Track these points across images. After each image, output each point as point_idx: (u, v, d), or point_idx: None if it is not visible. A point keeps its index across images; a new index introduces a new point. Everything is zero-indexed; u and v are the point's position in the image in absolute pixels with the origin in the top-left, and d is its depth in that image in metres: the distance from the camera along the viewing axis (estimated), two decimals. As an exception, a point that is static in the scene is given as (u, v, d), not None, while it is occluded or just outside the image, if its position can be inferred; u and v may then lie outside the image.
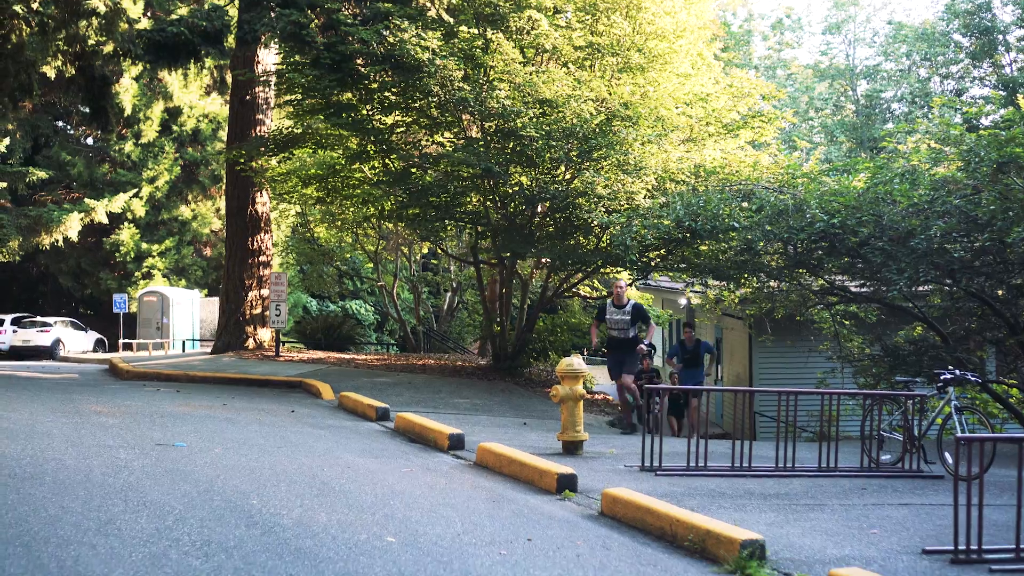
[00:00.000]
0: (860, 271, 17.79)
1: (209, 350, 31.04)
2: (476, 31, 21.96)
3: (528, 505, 9.70)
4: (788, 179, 19.33)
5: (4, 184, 45.31)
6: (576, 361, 13.29)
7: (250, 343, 29.56)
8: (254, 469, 10.69)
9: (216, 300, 31.32)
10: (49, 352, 42.48)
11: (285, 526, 8.10)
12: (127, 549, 7.16)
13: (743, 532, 7.85)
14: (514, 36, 21.90)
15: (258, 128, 29.31)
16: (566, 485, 10.32)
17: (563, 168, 21.52)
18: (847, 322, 20.59)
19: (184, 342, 43.70)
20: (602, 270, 24.01)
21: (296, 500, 9.20)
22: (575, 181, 21.12)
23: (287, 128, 27.38)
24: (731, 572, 7.52)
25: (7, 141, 44.82)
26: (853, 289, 19.03)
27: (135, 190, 48.80)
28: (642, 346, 17.99)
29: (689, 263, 21.30)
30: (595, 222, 20.65)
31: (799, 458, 12.33)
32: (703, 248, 20.38)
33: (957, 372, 12.62)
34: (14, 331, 43.71)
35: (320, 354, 30.03)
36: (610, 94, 21.22)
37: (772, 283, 20.32)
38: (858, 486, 11.34)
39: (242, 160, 27.41)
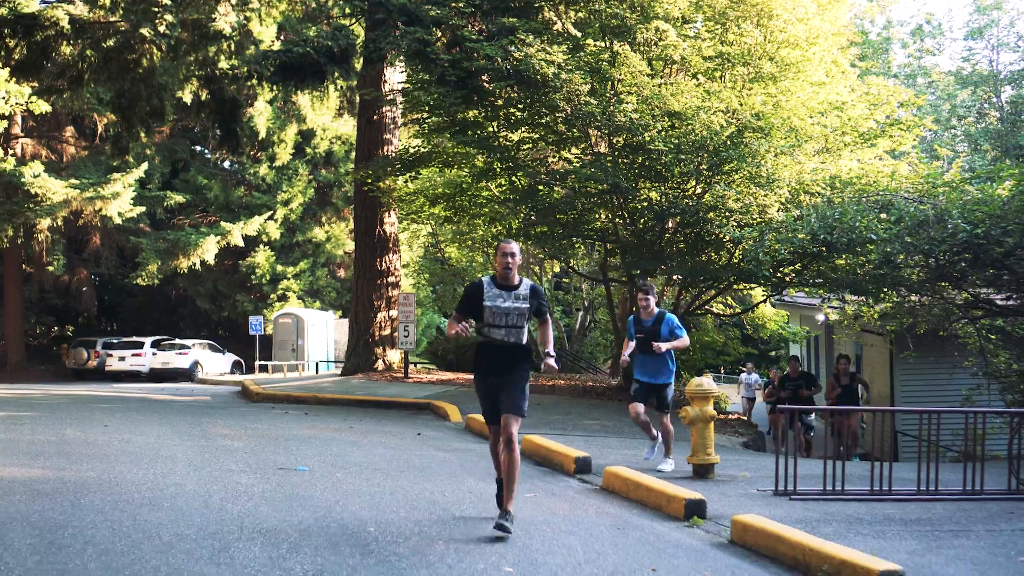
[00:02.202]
0: (1006, 283, 17.10)
1: (340, 372, 31.11)
2: (602, 44, 21.67)
3: (654, 532, 9.32)
4: (928, 189, 18.70)
5: (143, 208, 46.19)
6: (706, 381, 12.89)
7: (379, 364, 29.56)
8: (374, 494, 10.49)
9: (348, 321, 31.47)
10: (188, 374, 43.11)
11: (400, 555, 7.88)
12: (237, 579, 6.98)
13: (881, 563, 7.40)
14: (641, 48, 21.55)
15: (385, 148, 29.37)
16: (694, 511, 9.90)
17: (693, 182, 21.09)
18: (993, 337, 19.77)
19: (318, 363, 44.01)
20: (735, 286, 23.51)
21: (414, 527, 8.99)
22: (706, 195, 20.69)
23: (414, 147, 27.38)
24: (869, 606, 7.06)
25: (145, 166, 45.62)
26: (999, 302, 18.29)
27: (270, 212, 49.48)
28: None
29: (825, 278, 20.71)
30: (727, 237, 20.19)
31: (942, 480, 11.71)
32: (840, 262, 19.80)
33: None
34: (154, 354, 44.46)
35: (450, 375, 29.90)
36: (741, 105, 20.74)
37: (913, 297, 19.70)
38: (1006, 510, 10.70)
39: (370, 180, 27.46)
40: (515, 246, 9.43)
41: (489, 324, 9.34)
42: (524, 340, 9.42)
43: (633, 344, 13.57)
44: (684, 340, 13.34)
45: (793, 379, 22.64)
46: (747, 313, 29.20)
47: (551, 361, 9.42)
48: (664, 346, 12.96)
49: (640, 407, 13.33)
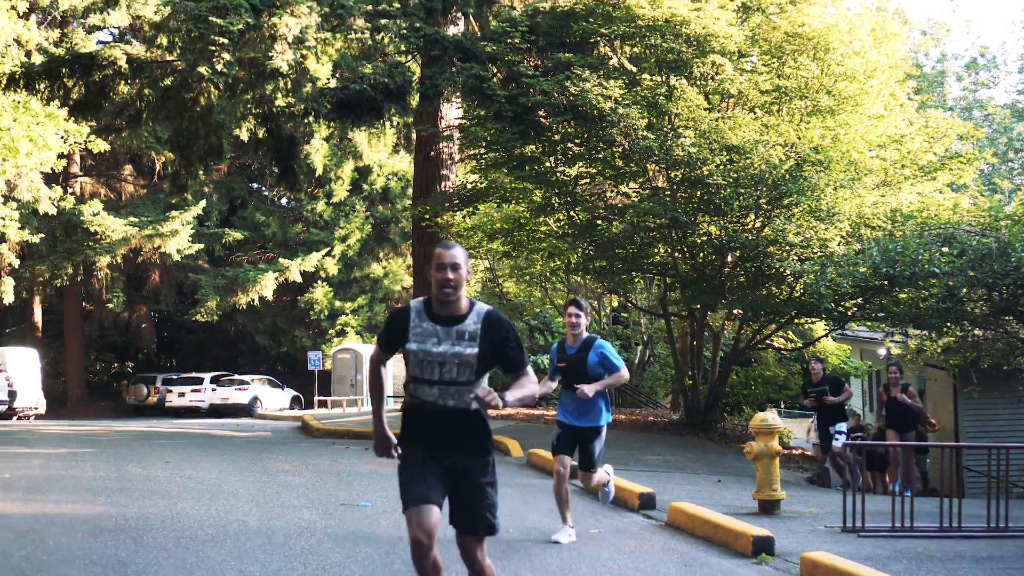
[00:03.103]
0: (1073, 316, 16.90)
1: (400, 407, 31.19)
2: (659, 78, 21.62)
3: (722, 569, 9.21)
4: (991, 221, 18.54)
5: (201, 246, 46.65)
6: (771, 416, 12.78)
7: (439, 400, 29.49)
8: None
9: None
10: (247, 410, 43.30)
11: (464, 591, 7.79)
12: (302, 617, 6.95)
13: (956, 602, 7.23)
14: (698, 82, 21.47)
15: (442, 184, 29.42)
16: (762, 548, 9.77)
17: (752, 216, 20.97)
18: (1059, 371, 19.55)
19: (377, 399, 43.98)
20: (796, 320, 23.30)
21: (478, 564, 8.88)
22: (765, 229, 20.55)
23: (471, 182, 27.42)
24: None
25: (203, 203, 46.10)
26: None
27: (327, 249, 49.78)
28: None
29: (887, 312, 20.51)
30: (787, 271, 20.03)
31: (1013, 516, 11.51)
32: (902, 296, 19.62)
33: None
34: (213, 389, 44.77)
35: (510, 410, 29.79)
36: (799, 138, 20.62)
37: (976, 331, 19.49)
38: (1079, 547, 10.51)
39: (427, 216, 27.50)
40: (459, 252, 6.10)
41: (415, 378, 6.14)
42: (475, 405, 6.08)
43: (551, 384, 11.03)
44: (620, 374, 10.50)
45: (815, 385, 19.04)
46: (809, 347, 28.94)
47: (493, 395, 5.93)
48: (589, 390, 10.15)
49: (566, 460, 10.46)
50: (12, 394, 31.99)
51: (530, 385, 6.13)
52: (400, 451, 6.26)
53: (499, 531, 6.23)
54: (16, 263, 40.74)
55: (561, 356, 10.70)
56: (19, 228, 35.16)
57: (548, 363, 11.15)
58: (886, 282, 18.51)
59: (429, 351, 6.01)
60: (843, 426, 18.58)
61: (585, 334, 10.66)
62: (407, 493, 6.11)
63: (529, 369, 6.17)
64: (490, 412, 6.21)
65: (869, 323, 22.36)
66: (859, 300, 20.31)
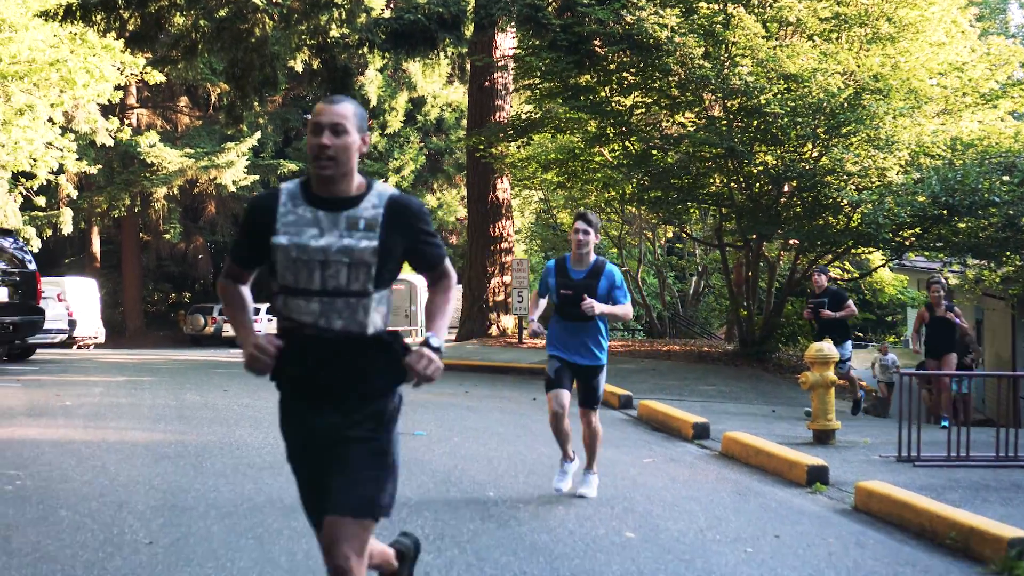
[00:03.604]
0: None
1: (455, 337, 31.29)
2: (716, 6, 21.35)
3: (776, 499, 9.20)
4: (1053, 149, 18.27)
5: (257, 177, 46.83)
6: (826, 346, 12.72)
7: (493, 330, 29.62)
8: (492, 459, 10.49)
9: (461, 288, 31.62)
10: (304, 341, 43.49)
11: (521, 519, 7.86)
12: (358, 543, 6.97)
13: (1011, 530, 7.22)
14: (755, 10, 21.21)
15: (497, 114, 29.34)
16: (816, 477, 9.75)
17: (810, 145, 20.75)
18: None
19: (431, 329, 44.15)
20: (852, 251, 23.12)
21: (533, 492, 8.98)
22: (823, 158, 20.35)
23: (526, 113, 27.31)
24: (997, 573, 6.91)
25: (258, 135, 46.21)
26: None
27: (382, 180, 49.68)
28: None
29: (946, 241, 20.33)
30: (845, 201, 19.85)
31: (1072, 447, 11.43)
32: (961, 225, 19.44)
33: None
34: (269, 319, 45.02)
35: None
36: (858, 66, 20.34)
37: (1037, 260, 19.28)
38: None
39: (482, 147, 27.44)
40: (348, 109, 4.30)
41: (287, 288, 4.35)
42: (377, 325, 4.37)
43: (543, 303, 9.21)
44: (627, 309, 8.87)
45: (816, 295, 16.81)
46: (865, 278, 28.75)
47: (427, 361, 4.27)
48: (599, 307, 8.51)
49: (564, 397, 8.86)
50: (72, 323, 32.27)
51: (448, 300, 4.52)
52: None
53: (387, 515, 4.45)
54: (74, 194, 41.12)
55: (563, 280, 8.84)
56: (77, 159, 35.42)
57: (539, 282, 9.17)
58: (945, 211, 18.33)
59: (306, 246, 4.24)
60: (848, 348, 16.57)
61: (593, 256, 8.84)
62: (305, 505, 4.66)
63: (447, 269, 4.54)
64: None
65: (927, 253, 22.16)
66: (917, 230, 20.15)
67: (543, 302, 9.17)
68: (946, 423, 13.84)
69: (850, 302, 16.59)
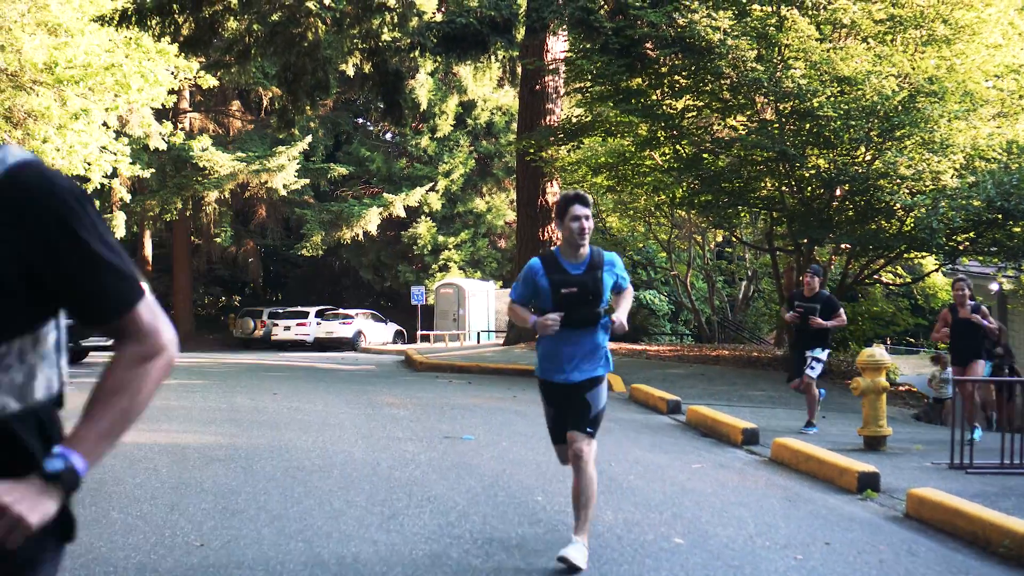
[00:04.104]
0: None
1: (503, 342, 31.26)
2: (769, 9, 21.24)
3: (826, 505, 9.12)
4: (1109, 153, 18.07)
5: (307, 181, 47.09)
6: (878, 352, 12.62)
7: (543, 334, 29.58)
8: (540, 463, 10.46)
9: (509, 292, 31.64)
10: (351, 343, 43.72)
11: (569, 525, 7.79)
12: (408, 546, 7.04)
13: (1066, 538, 7.11)
14: (809, 12, 21.07)
15: (547, 118, 29.35)
16: (867, 484, 9.67)
17: (863, 149, 20.60)
18: None
19: (479, 333, 44.24)
20: (905, 255, 22.94)
21: (581, 497, 8.91)
22: (876, 162, 20.19)
23: (576, 116, 27.31)
24: (1051, 582, 6.80)
25: (309, 139, 46.44)
26: None
27: (431, 184, 50.00)
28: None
29: (1001, 246, 20.12)
30: (898, 204, 19.69)
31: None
32: (1016, 230, 19.25)
33: None
34: (318, 323, 45.27)
35: (612, 345, 29.79)
36: (913, 69, 20.18)
37: (1091, 265, 19.06)
38: None
39: (532, 150, 27.45)
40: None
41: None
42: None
43: (533, 318, 7.04)
44: (631, 292, 7.52)
45: (806, 299, 14.64)
46: (918, 283, 28.52)
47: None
48: (621, 316, 7.14)
49: (561, 447, 7.29)
50: (124, 326, 32.51)
51: (142, 384, 2.50)
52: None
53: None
54: (127, 198, 41.41)
55: (560, 277, 6.98)
56: (130, 163, 35.62)
57: (520, 285, 7.21)
58: (1000, 215, 18.17)
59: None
60: (822, 353, 14.63)
61: (588, 250, 7.08)
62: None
63: (146, 321, 2.48)
64: None
65: (981, 258, 21.94)
66: (971, 234, 19.95)
67: (531, 317, 7.07)
68: (978, 434, 13.31)
69: (842, 311, 14.74)
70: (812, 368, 14.31)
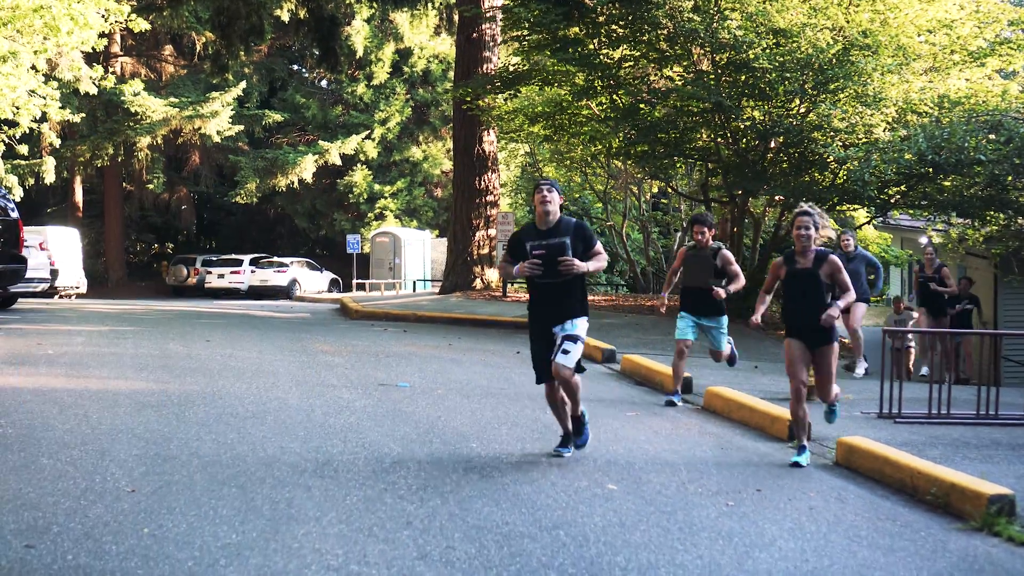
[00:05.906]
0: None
1: (438, 290, 31.24)
2: (706, -41, 21.26)
3: (758, 453, 9.23)
4: (1039, 109, 18.27)
5: (241, 127, 46.66)
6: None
7: (477, 283, 29.61)
8: (476, 411, 10.51)
9: (445, 240, 31.48)
10: (286, 292, 43.54)
11: (504, 470, 7.90)
12: (342, 492, 7.08)
13: (991, 486, 7.27)
14: (746, -37, 21.10)
15: (484, 66, 29.22)
16: (798, 432, 9.77)
17: (797, 101, 20.69)
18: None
19: (415, 282, 44.17)
20: (838, 208, 23.09)
21: (516, 444, 9.01)
22: (810, 114, 20.30)
23: (513, 65, 27.19)
24: (977, 529, 6.94)
25: (243, 85, 45.98)
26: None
27: (367, 132, 49.69)
28: (719, 290, 12.63)
29: (931, 199, 20.33)
30: (831, 157, 19.82)
31: (1051, 405, 11.48)
32: (946, 183, 19.47)
33: None
34: (252, 271, 45.04)
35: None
36: (847, 22, 20.27)
37: (1020, 220, 19.29)
38: (1118, 435, 10.45)
39: (469, 99, 27.34)
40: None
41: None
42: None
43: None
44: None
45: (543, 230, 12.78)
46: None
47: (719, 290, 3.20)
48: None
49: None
50: (54, 273, 32.08)
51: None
52: None
53: None
54: (57, 143, 40.71)
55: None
56: (60, 107, 35.06)
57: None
58: (931, 169, 18.34)
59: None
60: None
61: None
62: None
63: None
64: None
65: (912, 211, 22.14)
66: (903, 187, 20.15)
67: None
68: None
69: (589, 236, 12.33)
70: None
